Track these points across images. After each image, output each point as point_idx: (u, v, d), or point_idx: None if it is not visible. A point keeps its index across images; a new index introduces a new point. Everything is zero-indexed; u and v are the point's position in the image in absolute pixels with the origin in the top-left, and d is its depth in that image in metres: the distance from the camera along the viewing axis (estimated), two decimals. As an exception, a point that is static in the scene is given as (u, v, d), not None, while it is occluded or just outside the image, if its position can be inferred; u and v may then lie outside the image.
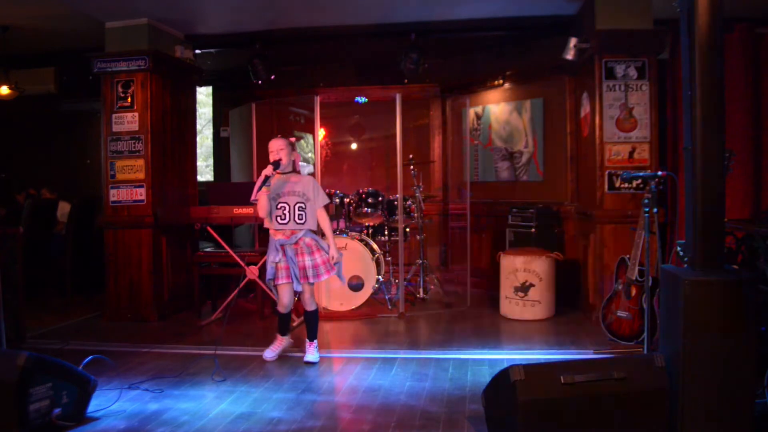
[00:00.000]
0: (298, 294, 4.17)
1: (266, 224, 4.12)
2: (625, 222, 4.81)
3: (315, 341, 4.22)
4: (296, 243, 4.04)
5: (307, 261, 4.04)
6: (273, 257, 4.04)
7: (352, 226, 6.04)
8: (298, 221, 4.05)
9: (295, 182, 4.09)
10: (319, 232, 4.27)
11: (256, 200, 3.99)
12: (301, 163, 7.85)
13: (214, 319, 5.38)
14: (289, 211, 4.04)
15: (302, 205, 4.06)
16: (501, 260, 5.43)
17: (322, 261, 4.08)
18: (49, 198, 7.12)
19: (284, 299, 4.13)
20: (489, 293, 6.33)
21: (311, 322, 4.20)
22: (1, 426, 2.76)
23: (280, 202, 4.04)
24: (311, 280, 4.06)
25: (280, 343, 4.32)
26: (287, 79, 7.24)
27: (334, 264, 4.12)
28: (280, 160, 4.02)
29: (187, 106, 6.07)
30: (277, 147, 4.07)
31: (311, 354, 4.17)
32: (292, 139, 4.22)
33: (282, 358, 4.28)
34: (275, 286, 4.10)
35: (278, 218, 4.05)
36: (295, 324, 5.17)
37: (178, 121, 5.86)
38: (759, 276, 3.50)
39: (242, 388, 3.65)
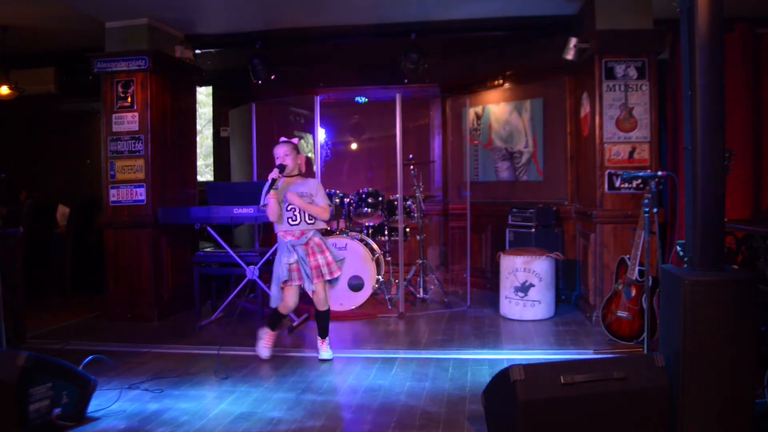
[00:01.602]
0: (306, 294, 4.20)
1: (276, 227, 4.16)
2: (625, 222, 4.82)
3: (327, 338, 4.27)
4: (306, 243, 4.09)
5: (320, 259, 4.11)
6: (286, 258, 4.05)
7: (352, 226, 6.04)
8: (309, 221, 4.13)
9: (300, 183, 4.15)
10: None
11: (266, 204, 4.02)
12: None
13: (214, 319, 5.38)
14: (299, 212, 4.10)
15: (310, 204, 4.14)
16: (501, 260, 5.43)
17: (332, 260, 4.17)
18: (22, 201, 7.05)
19: (290, 301, 4.14)
20: (489, 293, 6.34)
21: (325, 320, 4.25)
22: (1, 426, 2.76)
23: (289, 204, 4.09)
24: (327, 277, 4.11)
25: (272, 337, 4.32)
26: (287, 79, 7.24)
27: (338, 261, 4.22)
28: (285, 164, 4.08)
29: (187, 106, 6.07)
30: (282, 153, 4.12)
31: (325, 351, 4.22)
32: (295, 141, 4.24)
33: (282, 358, 4.28)
34: (284, 287, 4.09)
35: (289, 219, 4.10)
36: (295, 324, 5.18)
37: (178, 120, 5.86)
38: (759, 276, 3.50)
39: (242, 388, 3.66)
